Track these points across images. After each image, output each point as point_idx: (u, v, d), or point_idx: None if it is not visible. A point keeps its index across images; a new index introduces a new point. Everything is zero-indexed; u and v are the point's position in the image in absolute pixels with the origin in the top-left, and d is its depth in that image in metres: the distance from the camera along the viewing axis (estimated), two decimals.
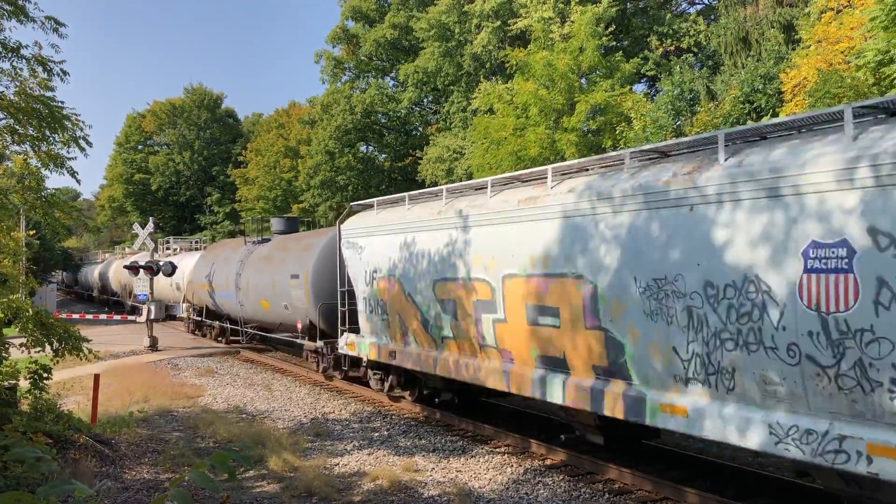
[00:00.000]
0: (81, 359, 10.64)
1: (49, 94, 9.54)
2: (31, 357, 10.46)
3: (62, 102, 9.65)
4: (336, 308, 15.74)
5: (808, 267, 6.46)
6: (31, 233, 28.78)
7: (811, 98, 15.24)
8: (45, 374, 10.43)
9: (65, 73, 9.53)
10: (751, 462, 10.19)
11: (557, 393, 9.45)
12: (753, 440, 7.03)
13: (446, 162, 33.52)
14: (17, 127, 9.37)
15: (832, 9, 17.63)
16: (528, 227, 9.86)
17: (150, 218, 27.61)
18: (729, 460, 10.24)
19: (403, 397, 14.72)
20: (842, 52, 15.86)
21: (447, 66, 36.11)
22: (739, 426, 7.14)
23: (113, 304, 47.46)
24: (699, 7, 36.17)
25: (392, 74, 44.34)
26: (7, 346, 10.23)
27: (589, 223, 8.87)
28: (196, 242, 43.41)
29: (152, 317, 24.84)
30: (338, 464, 10.61)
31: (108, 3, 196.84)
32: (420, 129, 43.52)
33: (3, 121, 9.50)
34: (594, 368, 8.94)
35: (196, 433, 12.58)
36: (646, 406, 8.17)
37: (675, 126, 20.34)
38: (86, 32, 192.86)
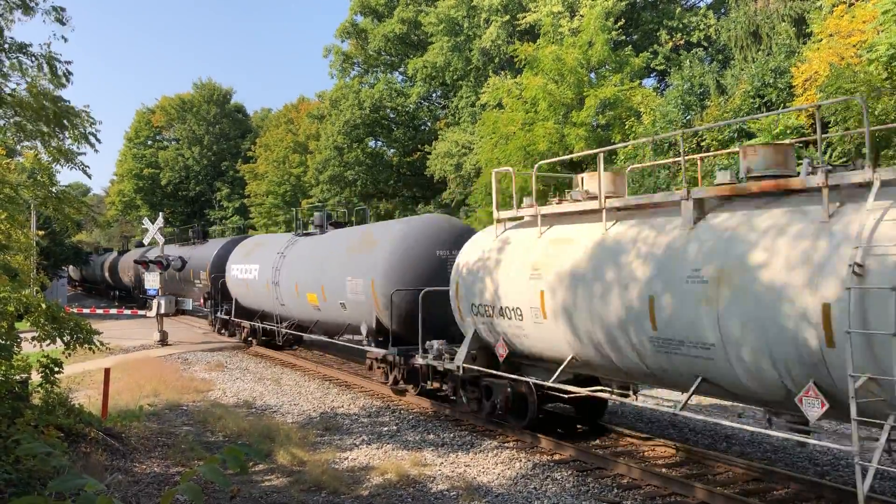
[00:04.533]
0: (94, 351, 10.67)
1: (61, 90, 9.57)
2: (43, 351, 10.52)
3: (68, 102, 9.66)
4: None
5: None
6: (41, 233, 28.84)
7: (822, 93, 15.14)
8: (56, 368, 10.49)
9: (69, 73, 9.48)
10: None
11: None
12: None
13: (455, 157, 33.51)
14: (26, 123, 9.41)
15: (844, 2, 17.49)
16: None
17: (160, 213, 27.74)
18: None
19: None
20: (854, 46, 15.73)
21: (456, 60, 36.06)
22: None
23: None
24: (709, 1, 35.97)
25: (401, 69, 44.33)
26: (19, 340, 10.30)
27: None
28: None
29: (162, 311, 25.01)
30: (346, 458, 10.64)
31: None
32: (429, 123, 43.49)
33: (13, 119, 9.54)
34: None
35: (206, 427, 12.65)
36: None
37: (684, 120, 20.26)
38: (94, 26, 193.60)
